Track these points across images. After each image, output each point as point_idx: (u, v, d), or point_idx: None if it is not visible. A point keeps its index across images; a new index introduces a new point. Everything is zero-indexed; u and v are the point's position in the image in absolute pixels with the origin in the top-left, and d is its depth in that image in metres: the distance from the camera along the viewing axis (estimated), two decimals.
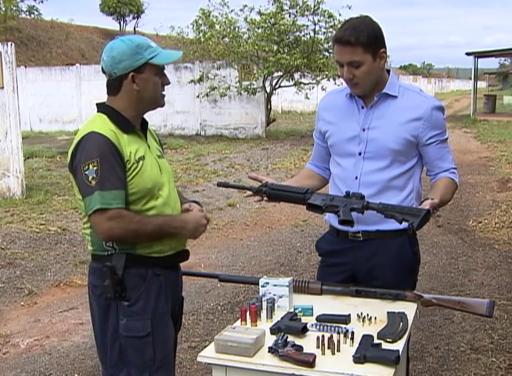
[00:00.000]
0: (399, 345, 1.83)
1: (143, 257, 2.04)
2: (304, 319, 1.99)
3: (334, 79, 16.04)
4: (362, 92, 2.26)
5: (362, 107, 2.30)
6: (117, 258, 2.01)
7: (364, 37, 2.13)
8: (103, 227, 1.95)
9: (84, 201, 1.97)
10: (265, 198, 2.30)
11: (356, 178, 2.29)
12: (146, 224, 2.00)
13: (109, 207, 1.93)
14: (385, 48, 2.21)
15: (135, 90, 2.02)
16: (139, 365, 2.04)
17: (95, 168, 1.92)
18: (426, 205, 2.08)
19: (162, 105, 2.13)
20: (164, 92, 2.11)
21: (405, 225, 2.06)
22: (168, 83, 2.10)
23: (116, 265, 2.00)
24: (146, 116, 2.16)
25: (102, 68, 2.05)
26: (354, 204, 2.13)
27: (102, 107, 2.08)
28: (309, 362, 1.70)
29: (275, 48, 16.37)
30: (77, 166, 1.96)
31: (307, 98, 17.47)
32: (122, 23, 47.69)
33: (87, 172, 1.93)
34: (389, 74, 2.30)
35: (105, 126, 1.99)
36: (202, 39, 16.73)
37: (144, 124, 2.15)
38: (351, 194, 2.15)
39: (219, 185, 2.42)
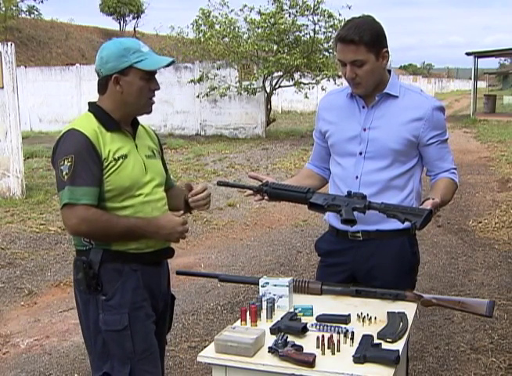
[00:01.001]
0: (399, 345, 1.82)
1: (120, 252, 2.06)
2: (304, 319, 1.98)
3: (334, 79, 16.05)
4: (365, 91, 2.25)
5: (363, 107, 2.30)
6: (93, 253, 2.05)
7: (367, 37, 2.13)
8: (71, 222, 2.00)
9: (58, 195, 2.03)
10: (266, 197, 2.29)
11: (357, 177, 2.28)
12: (116, 224, 2.01)
13: (78, 202, 1.96)
14: (387, 47, 2.21)
15: (118, 92, 2.04)
16: (121, 357, 2.07)
17: (69, 163, 1.97)
18: (427, 205, 2.08)
19: (148, 112, 2.14)
20: (153, 98, 2.11)
21: (404, 225, 2.07)
22: (157, 88, 2.10)
23: (93, 260, 2.03)
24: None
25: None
26: (356, 203, 2.12)
27: (91, 106, 2.13)
28: (309, 362, 1.70)
29: (275, 48, 16.36)
30: (55, 161, 2.02)
31: (306, 97, 17.45)
32: (122, 23, 47.73)
33: (62, 167, 1.98)
34: (390, 74, 2.30)
35: (87, 124, 2.03)
36: (202, 39, 16.68)
37: (135, 124, 2.16)
38: (352, 194, 2.15)
39: (219, 184, 2.41)
